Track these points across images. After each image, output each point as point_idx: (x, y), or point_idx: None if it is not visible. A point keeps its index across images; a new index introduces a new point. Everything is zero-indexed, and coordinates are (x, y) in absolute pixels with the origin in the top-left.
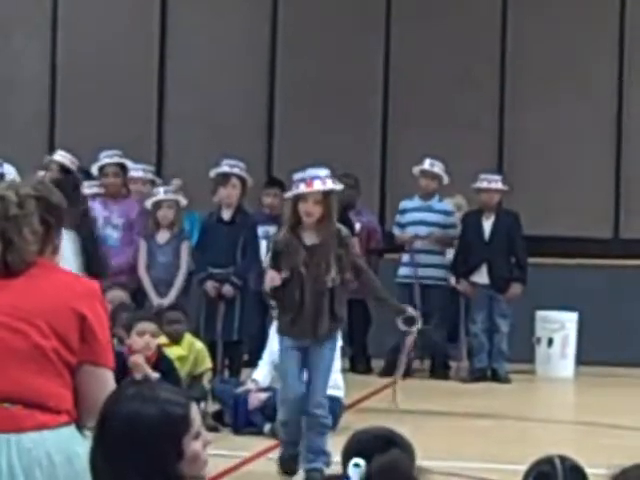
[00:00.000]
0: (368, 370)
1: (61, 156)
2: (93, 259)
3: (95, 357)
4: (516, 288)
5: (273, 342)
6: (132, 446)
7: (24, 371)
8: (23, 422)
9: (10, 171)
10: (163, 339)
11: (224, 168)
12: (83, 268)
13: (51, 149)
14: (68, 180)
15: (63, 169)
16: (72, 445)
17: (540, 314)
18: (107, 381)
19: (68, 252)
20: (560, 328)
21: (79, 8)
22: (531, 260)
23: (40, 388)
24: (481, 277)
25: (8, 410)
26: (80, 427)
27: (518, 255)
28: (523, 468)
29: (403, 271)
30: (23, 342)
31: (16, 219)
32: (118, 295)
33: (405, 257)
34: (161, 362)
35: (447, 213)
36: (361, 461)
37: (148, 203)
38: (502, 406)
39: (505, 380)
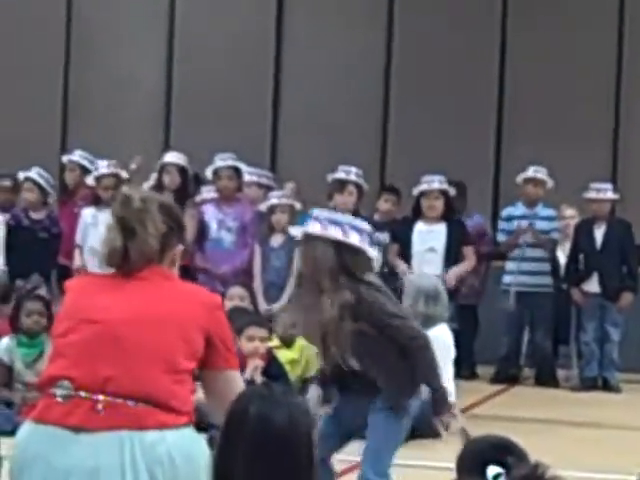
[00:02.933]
0: (473, 376)
1: (177, 158)
2: None
3: (222, 362)
4: (627, 297)
5: None
6: (263, 447)
7: (149, 371)
8: (146, 420)
9: (104, 165)
10: (275, 342)
11: (341, 174)
12: None
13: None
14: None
15: (182, 170)
16: (192, 446)
17: None
18: (235, 381)
19: None
20: None
21: (195, 13)
22: None
23: (164, 388)
24: (592, 286)
25: (132, 408)
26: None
27: (630, 264)
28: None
29: (507, 279)
30: (151, 343)
31: (139, 212)
32: (240, 292)
33: (510, 264)
34: (272, 366)
35: (551, 219)
36: (501, 470)
37: (263, 207)
38: (613, 416)
39: (616, 389)
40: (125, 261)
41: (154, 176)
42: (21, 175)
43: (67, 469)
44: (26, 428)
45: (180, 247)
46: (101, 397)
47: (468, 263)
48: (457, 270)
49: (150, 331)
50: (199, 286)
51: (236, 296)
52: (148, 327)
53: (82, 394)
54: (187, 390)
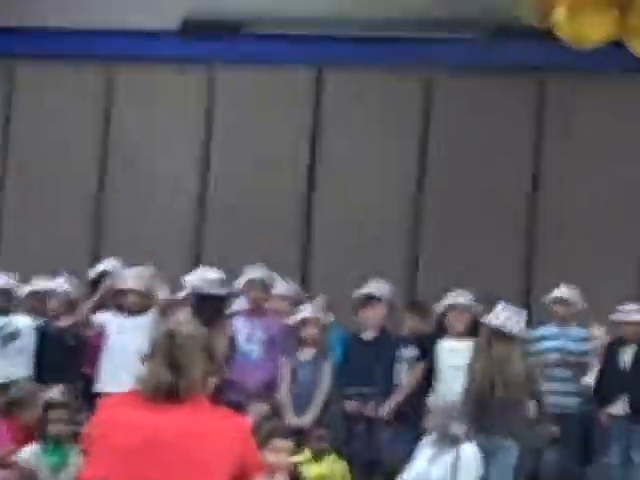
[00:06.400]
0: None
1: (197, 278)
2: None
3: (247, 477)
4: None
5: (417, 462)
6: None
7: None
8: None
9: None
10: (305, 455)
11: (372, 290)
12: None
13: (197, 262)
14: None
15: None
16: None
17: None
18: None
19: None
20: None
21: (235, 130)
22: None
23: None
24: (619, 408)
25: None
26: None
27: None
28: None
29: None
30: (192, 456)
31: (187, 349)
32: (262, 408)
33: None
34: None
35: (582, 340)
36: None
37: (292, 320)
38: None
39: None
40: (171, 393)
41: (183, 293)
42: (49, 283)
43: None
44: None
45: (214, 379)
46: None
47: None
48: None
49: (190, 445)
50: (230, 411)
51: (258, 413)
52: (189, 441)
53: None
54: None
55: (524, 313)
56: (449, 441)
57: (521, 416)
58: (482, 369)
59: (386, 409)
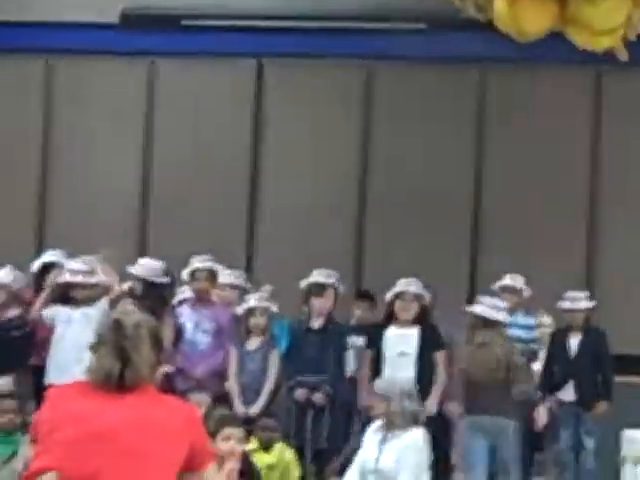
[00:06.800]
0: None
1: (142, 268)
2: None
3: (200, 466)
4: (602, 405)
5: (365, 448)
6: None
7: (139, 469)
8: None
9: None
10: (253, 444)
11: (319, 278)
12: None
13: (143, 251)
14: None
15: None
16: None
17: (627, 433)
18: (211, 475)
19: None
20: None
21: (173, 120)
22: (618, 379)
23: None
24: (568, 394)
25: None
26: None
27: (605, 373)
28: None
29: None
30: (142, 444)
31: (134, 339)
32: (203, 399)
33: None
34: (248, 470)
35: (530, 328)
36: None
37: (239, 309)
38: None
39: None
40: (119, 382)
41: (128, 284)
42: None
43: None
44: None
45: (162, 368)
46: None
47: (441, 381)
48: (434, 396)
49: (139, 435)
50: (179, 400)
51: (199, 403)
52: (138, 432)
53: None
54: None
55: (504, 303)
56: (402, 424)
57: (509, 397)
58: (469, 355)
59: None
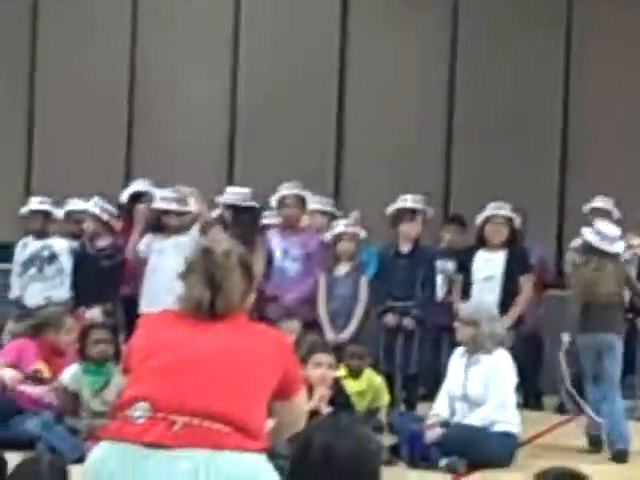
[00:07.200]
0: (539, 406)
1: (230, 195)
2: None
3: (292, 393)
4: None
5: (452, 375)
6: (330, 476)
7: (230, 396)
8: (223, 441)
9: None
10: (343, 371)
11: (408, 203)
12: None
13: (230, 181)
14: (244, 219)
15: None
16: (264, 472)
17: None
18: (301, 406)
19: None
20: None
21: (260, 45)
22: None
23: (243, 413)
24: None
25: (210, 428)
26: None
27: None
28: None
29: None
30: (232, 371)
31: (224, 267)
32: (294, 326)
33: None
34: (338, 396)
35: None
36: None
37: (327, 235)
38: None
39: None
40: (211, 310)
41: (218, 211)
42: (81, 205)
43: None
44: (102, 446)
45: (253, 296)
46: (179, 417)
47: (520, 302)
48: (511, 316)
49: (231, 362)
50: (271, 327)
51: (290, 330)
52: (230, 358)
53: (160, 414)
54: (263, 418)
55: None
56: (490, 347)
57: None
58: (582, 279)
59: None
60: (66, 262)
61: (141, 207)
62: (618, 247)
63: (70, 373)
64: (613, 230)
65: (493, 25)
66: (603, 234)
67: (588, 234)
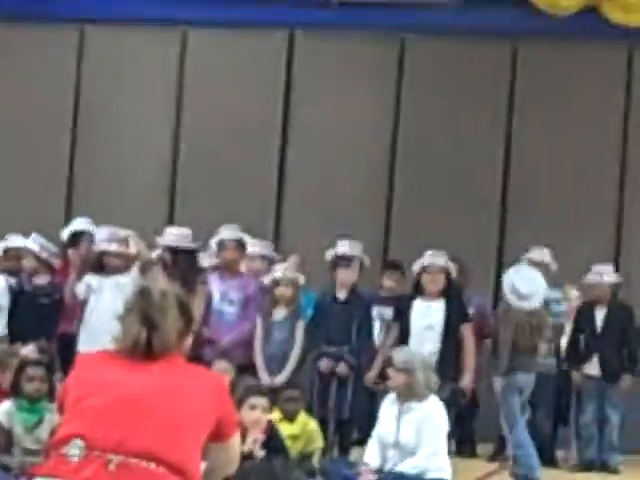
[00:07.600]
0: (473, 454)
1: (170, 236)
2: None
3: (227, 436)
4: (627, 379)
5: (383, 422)
6: None
7: (166, 436)
8: None
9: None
10: (277, 415)
11: (345, 249)
12: None
13: (171, 221)
14: (184, 260)
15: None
16: None
17: None
18: (234, 448)
19: None
20: None
21: (206, 93)
22: None
23: (179, 454)
24: (593, 368)
25: (146, 468)
26: None
27: (630, 347)
28: None
29: None
30: (169, 412)
31: (161, 307)
32: (225, 367)
33: None
34: (272, 439)
35: (556, 301)
36: None
37: (266, 280)
38: None
39: (615, 471)
40: (147, 350)
41: (158, 252)
42: (20, 242)
43: None
44: None
45: (190, 338)
46: (114, 456)
47: (469, 352)
48: (468, 371)
49: (168, 402)
50: (207, 369)
51: (221, 370)
52: (166, 398)
53: (95, 453)
54: (198, 460)
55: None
56: (423, 395)
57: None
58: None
59: (372, 375)
60: (3, 299)
61: (80, 248)
62: (534, 302)
63: (3, 410)
64: (529, 286)
65: (437, 81)
66: (519, 294)
67: (508, 293)
